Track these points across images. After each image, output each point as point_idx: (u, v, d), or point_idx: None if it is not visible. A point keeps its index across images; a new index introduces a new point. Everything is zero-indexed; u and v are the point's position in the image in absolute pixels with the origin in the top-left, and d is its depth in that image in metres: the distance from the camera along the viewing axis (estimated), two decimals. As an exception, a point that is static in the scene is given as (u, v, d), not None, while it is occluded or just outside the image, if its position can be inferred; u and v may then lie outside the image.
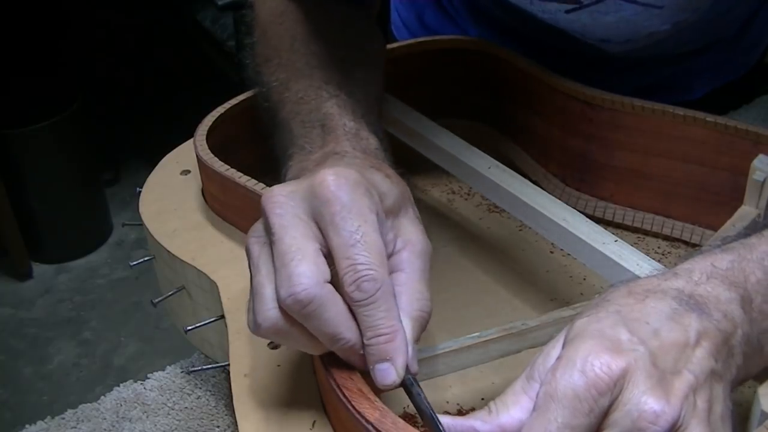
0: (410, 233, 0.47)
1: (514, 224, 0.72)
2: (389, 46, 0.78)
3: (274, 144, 0.60)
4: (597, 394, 0.38)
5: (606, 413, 0.39)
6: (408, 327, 0.45)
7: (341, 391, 0.45)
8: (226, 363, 0.56)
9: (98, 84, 2.31)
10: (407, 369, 0.45)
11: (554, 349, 0.43)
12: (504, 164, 0.65)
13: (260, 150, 0.73)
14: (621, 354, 0.39)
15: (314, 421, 0.50)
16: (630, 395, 0.39)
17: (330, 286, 0.43)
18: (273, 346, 0.55)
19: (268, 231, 0.45)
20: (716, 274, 0.44)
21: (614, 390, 0.39)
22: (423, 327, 0.46)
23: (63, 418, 0.70)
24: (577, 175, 0.72)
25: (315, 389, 0.52)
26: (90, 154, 2.13)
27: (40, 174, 2.03)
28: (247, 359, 0.54)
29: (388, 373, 0.44)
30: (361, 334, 0.44)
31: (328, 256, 0.44)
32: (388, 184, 0.48)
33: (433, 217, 0.75)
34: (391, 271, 0.46)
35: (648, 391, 0.38)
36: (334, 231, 0.44)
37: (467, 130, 0.82)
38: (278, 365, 0.54)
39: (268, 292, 0.44)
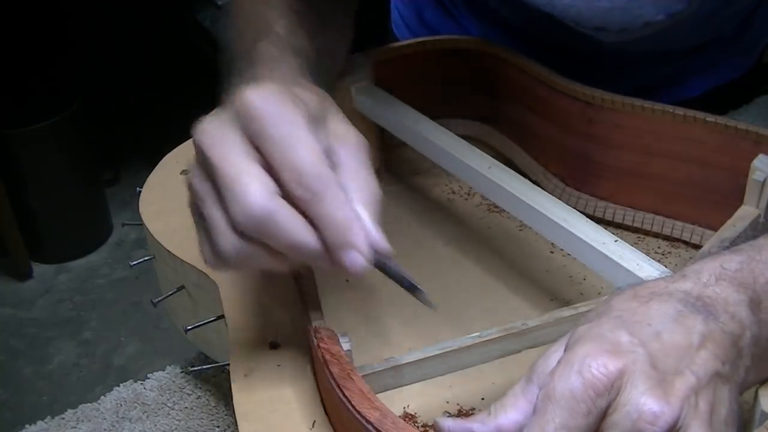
0: (341, 131, 0.48)
1: (514, 224, 0.72)
2: (388, 46, 0.78)
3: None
4: (594, 395, 0.38)
5: (604, 415, 0.39)
6: (363, 213, 0.45)
7: (341, 391, 0.45)
8: (226, 363, 0.56)
9: (98, 84, 2.31)
10: (377, 250, 0.45)
11: (555, 353, 0.43)
12: (504, 164, 0.65)
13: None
14: (619, 355, 0.39)
15: (314, 421, 0.50)
16: (629, 396, 0.38)
17: (281, 198, 0.44)
18: (273, 345, 0.55)
19: (207, 164, 0.45)
20: (725, 275, 0.44)
21: (612, 391, 0.39)
22: (378, 211, 0.47)
23: (63, 418, 0.70)
24: (577, 175, 0.72)
25: (315, 389, 0.52)
26: (90, 154, 2.13)
27: (40, 174, 2.03)
28: (247, 359, 0.54)
29: (356, 259, 0.44)
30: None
31: (271, 170, 0.44)
32: (307, 93, 0.48)
33: (433, 217, 0.75)
34: (333, 168, 0.46)
35: (647, 392, 0.38)
36: (268, 142, 0.44)
37: (467, 130, 0.82)
38: (278, 365, 0.54)
39: (220, 221, 0.45)
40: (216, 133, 0.45)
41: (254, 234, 0.44)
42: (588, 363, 0.39)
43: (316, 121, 0.47)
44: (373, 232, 0.45)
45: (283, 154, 0.44)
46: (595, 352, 0.39)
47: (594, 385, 0.38)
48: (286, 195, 0.44)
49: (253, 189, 0.43)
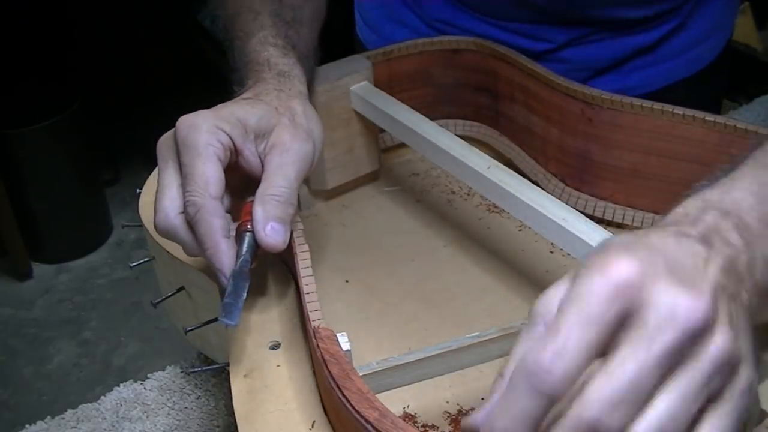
0: (277, 139, 0.57)
1: (514, 224, 0.72)
2: (388, 47, 0.78)
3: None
4: (616, 294, 0.35)
5: (623, 325, 0.35)
6: (259, 209, 0.54)
7: (341, 391, 0.45)
8: (226, 363, 0.56)
9: (98, 84, 2.31)
10: (264, 244, 0.54)
11: (557, 290, 0.41)
12: (504, 164, 0.65)
13: (260, 150, 0.73)
14: (635, 257, 0.36)
15: (314, 421, 0.50)
16: (653, 292, 0.35)
17: (180, 216, 0.54)
18: (273, 346, 0.56)
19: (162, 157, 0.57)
20: (709, 206, 0.43)
21: (634, 293, 0.35)
22: (280, 207, 0.55)
23: (63, 418, 0.70)
24: (576, 174, 0.72)
25: (315, 389, 0.52)
26: (90, 154, 2.13)
27: (40, 174, 2.03)
28: (246, 359, 0.54)
29: (221, 280, 0.54)
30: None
31: None
32: (247, 110, 0.57)
33: (433, 217, 0.75)
34: (262, 173, 0.56)
35: (675, 285, 0.35)
36: (181, 166, 0.55)
37: (467, 130, 0.82)
38: (278, 365, 0.54)
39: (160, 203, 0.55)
40: (160, 148, 0.57)
41: (162, 236, 0.56)
42: (606, 264, 0.36)
43: (256, 132, 0.57)
44: (259, 225, 0.54)
45: (185, 181, 0.54)
46: (611, 256, 0.36)
47: (617, 283, 0.35)
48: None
49: (163, 205, 0.54)
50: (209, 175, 0.54)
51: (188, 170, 0.54)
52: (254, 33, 0.66)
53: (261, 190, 0.55)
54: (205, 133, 0.55)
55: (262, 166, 0.57)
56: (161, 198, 0.55)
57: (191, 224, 0.54)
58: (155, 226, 0.55)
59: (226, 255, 0.53)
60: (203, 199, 0.53)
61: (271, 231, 0.54)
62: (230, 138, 0.56)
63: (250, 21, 0.67)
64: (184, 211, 0.54)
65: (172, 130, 0.57)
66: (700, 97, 0.86)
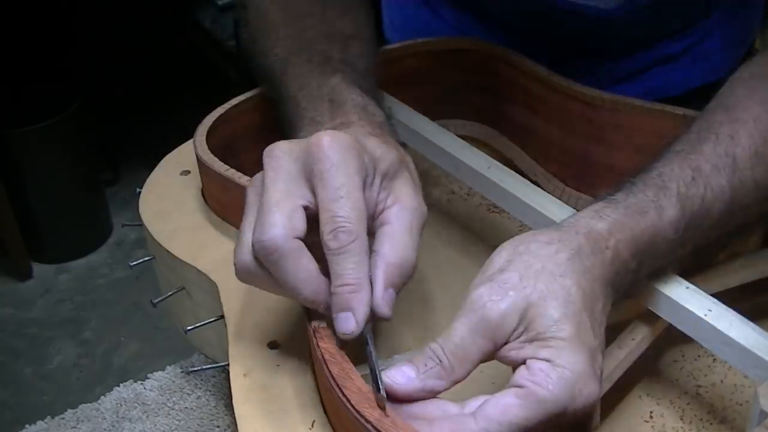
0: (401, 192, 0.51)
1: (514, 224, 0.72)
2: (388, 47, 0.78)
3: (278, 118, 0.62)
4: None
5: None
6: (382, 272, 0.48)
7: (341, 391, 0.45)
8: (226, 363, 0.56)
9: (98, 84, 2.31)
10: (376, 313, 0.48)
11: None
12: (504, 164, 0.65)
13: (260, 150, 0.73)
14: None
15: (314, 421, 0.50)
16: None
17: (298, 242, 0.47)
18: (273, 345, 0.56)
19: (262, 182, 0.49)
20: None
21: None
22: (403, 275, 0.49)
23: (63, 418, 0.70)
24: (577, 175, 0.72)
25: (315, 389, 0.52)
26: (90, 154, 2.13)
27: (40, 174, 2.03)
28: (246, 359, 0.54)
29: (348, 323, 0.47)
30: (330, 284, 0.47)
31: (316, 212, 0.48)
32: (384, 149, 0.51)
33: (433, 217, 0.75)
34: (380, 225, 0.49)
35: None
36: (321, 186, 0.47)
37: (467, 130, 0.82)
38: (278, 365, 0.54)
39: (247, 237, 0.48)
40: (280, 159, 0.49)
41: (263, 261, 0.47)
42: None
43: (383, 176, 0.50)
44: (379, 295, 0.48)
45: (329, 202, 0.47)
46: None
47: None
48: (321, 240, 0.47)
49: (276, 220, 0.46)
50: (363, 206, 0.48)
51: (339, 196, 0.47)
52: (330, 75, 0.60)
53: (386, 251, 0.48)
54: (356, 159, 0.48)
55: (374, 214, 0.50)
56: (272, 211, 0.47)
57: (329, 255, 0.47)
58: (256, 245, 0.47)
59: (366, 301, 0.47)
60: (359, 231, 0.47)
61: (388, 299, 0.48)
62: (367, 172, 0.50)
63: (319, 62, 0.62)
64: (326, 238, 0.47)
65: (293, 141, 0.50)
66: None
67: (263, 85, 0.68)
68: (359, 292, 0.46)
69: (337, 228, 0.46)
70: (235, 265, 0.49)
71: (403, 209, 0.50)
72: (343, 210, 0.46)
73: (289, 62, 0.63)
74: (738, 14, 0.87)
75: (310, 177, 0.48)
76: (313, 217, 0.48)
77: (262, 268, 0.48)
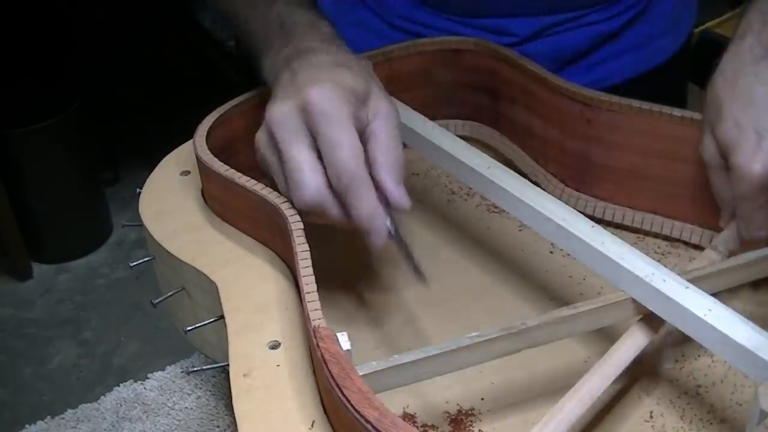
0: (377, 105, 0.58)
1: (513, 224, 0.72)
2: (388, 47, 0.78)
3: (241, 47, 0.68)
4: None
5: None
6: (388, 177, 0.56)
7: (340, 390, 0.45)
8: (226, 363, 0.56)
9: (98, 84, 2.31)
10: (395, 205, 0.57)
11: None
12: (504, 164, 0.65)
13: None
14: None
15: (313, 421, 0.50)
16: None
17: (327, 189, 0.56)
18: (273, 345, 0.55)
19: (275, 142, 0.57)
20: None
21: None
22: (400, 172, 0.57)
23: (63, 418, 0.70)
24: (576, 175, 0.72)
25: (315, 389, 0.52)
26: (90, 154, 2.13)
27: (40, 174, 2.03)
28: (246, 359, 0.54)
29: (376, 239, 0.56)
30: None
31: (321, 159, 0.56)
32: (353, 77, 0.58)
33: (433, 217, 0.75)
34: (369, 137, 0.57)
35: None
36: (320, 138, 0.55)
37: (467, 130, 0.82)
38: (278, 365, 0.54)
39: (306, 174, 0.56)
40: (285, 120, 0.56)
41: (305, 212, 0.57)
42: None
43: (361, 100, 0.58)
44: (394, 193, 0.56)
45: (331, 152, 0.55)
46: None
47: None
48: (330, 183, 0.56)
49: (309, 181, 0.55)
50: (357, 144, 0.55)
51: (335, 139, 0.55)
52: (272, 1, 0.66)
53: (381, 158, 0.56)
54: (344, 106, 0.56)
55: (363, 131, 0.58)
56: (301, 173, 0.55)
57: (343, 193, 0.55)
58: (299, 203, 0.56)
59: (382, 220, 0.56)
60: (358, 169, 0.54)
61: (402, 193, 0.56)
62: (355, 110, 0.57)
63: None
64: (334, 183, 0.55)
65: (287, 104, 0.57)
66: (665, 88, 0.89)
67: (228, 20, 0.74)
68: (374, 217, 0.55)
69: (339, 171, 0.54)
70: (302, 200, 0.56)
71: (382, 119, 0.58)
72: (342, 156, 0.54)
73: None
74: None
75: (310, 130, 0.56)
76: None
77: (332, 196, 0.56)
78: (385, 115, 0.58)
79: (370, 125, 0.58)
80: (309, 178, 0.55)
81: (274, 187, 0.59)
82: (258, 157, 0.60)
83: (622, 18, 0.86)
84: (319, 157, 0.56)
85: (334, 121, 0.55)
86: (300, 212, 0.57)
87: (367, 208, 0.55)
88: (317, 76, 0.57)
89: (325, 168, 0.56)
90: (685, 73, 0.98)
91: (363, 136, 0.57)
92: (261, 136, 0.59)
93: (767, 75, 0.59)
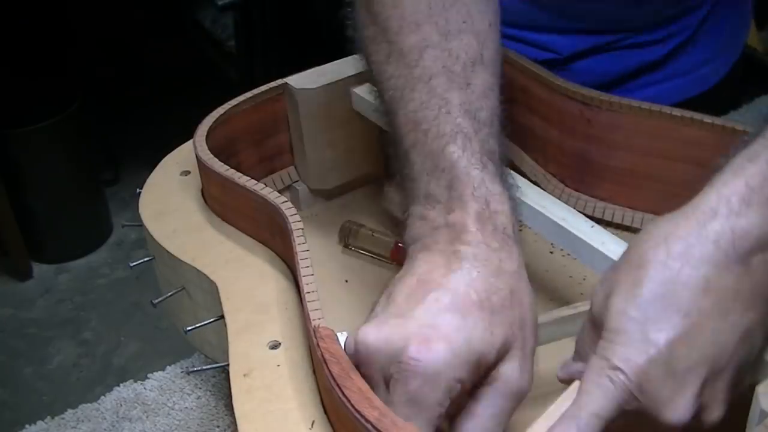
0: (507, 375, 0.46)
1: (513, 224, 0.72)
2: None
3: (389, 154, 0.57)
4: None
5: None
6: None
7: (341, 390, 0.45)
8: (226, 363, 0.56)
9: (98, 84, 2.31)
10: None
11: None
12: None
13: (260, 150, 0.73)
14: None
15: (313, 421, 0.50)
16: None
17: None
18: (273, 345, 0.56)
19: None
20: (753, 197, 0.43)
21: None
22: None
23: (63, 418, 0.70)
24: (576, 175, 0.72)
25: (315, 389, 0.52)
26: (90, 154, 2.13)
27: (40, 174, 2.03)
28: (246, 359, 0.54)
29: None
30: None
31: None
32: (490, 341, 0.45)
33: (433, 218, 0.75)
34: (471, 401, 0.46)
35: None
36: (394, 398, 0.45)
37: (467, 130, 0.82)
38: (278, 365, 0.54)
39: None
40: (371, 353, 0.46)
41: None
42: None
43: (480, 368, 0.45)
44: None
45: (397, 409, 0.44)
46: None
47: None
48: None
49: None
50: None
51: (403, 414, 0.43)
52: (446, 133, 0.51)
53: (471, 427, 0.45)
54: (443, 389, 0.44)
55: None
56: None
57: None
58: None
59: None
60: None
61: None
62: (462, 385, 0.45)
63: (433, 108, 0.52)
64: None
65: (383, 332, 0.45)
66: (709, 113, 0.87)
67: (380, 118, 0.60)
68: None
69: None
70: None
71: (497, 390, 0.46)
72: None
73: (401, 97, 0.54)
74: (724, 17, 0.87)
75: (390, 374, 0.45)
76: None
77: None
78: (505, 387, 0.45)
79: (482, 387, 0.46)
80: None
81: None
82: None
83: (668, 45, 0.84)
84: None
85: (419, 404, 0.43)
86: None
87: None
88: (438, 321, 0.44)
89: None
90: (730, 99, 0.95)
91: (466, 394, 0.45)
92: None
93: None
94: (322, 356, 0.48)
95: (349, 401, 0.44)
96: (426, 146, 0.52)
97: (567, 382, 0.45)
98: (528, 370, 0.47)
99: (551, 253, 0.70)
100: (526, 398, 0.56)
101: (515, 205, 0.52)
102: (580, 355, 0.46)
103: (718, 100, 0.91)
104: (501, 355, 0.46)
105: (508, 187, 0.52)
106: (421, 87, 0.53)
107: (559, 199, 0.63)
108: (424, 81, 0.53)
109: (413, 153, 0.52)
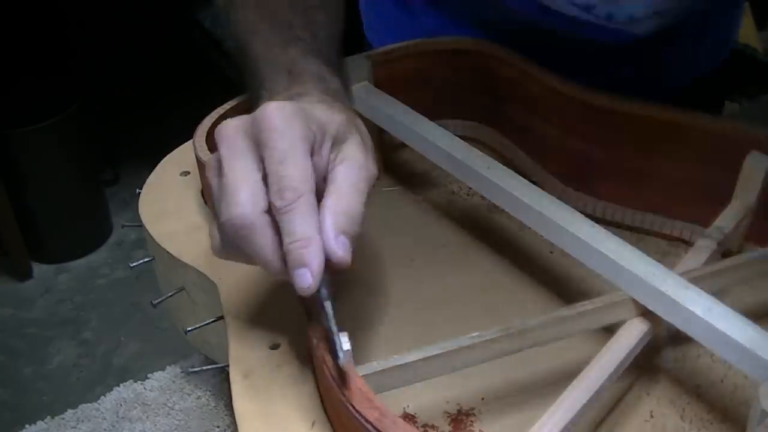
0: (348, 152, 0.52)
1: (513, 224, 0.72)
2: (388, 47, 0.78)
3: (244, 82, 0.64)
4: None
5: None
6: (329, 219, 0.48)
7: (341, 390, 0.45)
8: (226, 364, 0.56)
9: (98, 84, 2.31)
10: (333, 259, 0.48)
11: None
12: (504, 164, 0.65)
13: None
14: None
15: (313, 421, 0.50)
16: None
17: (265, 216, 0.48)
18: (273, 346, 0.56)
19: (220, 162, 0.50)
20: None
21: None
22: (351, 223, 0.49)
23: (63, 418, 0.70)
24: (576, 175, 0.72)
25: (315, 389, 0.52)
26: (90, 154, 2.13)
27: (40, 174, 2.03)
28: (246, 360, 0.54)
29: (304, 278, 0.47)
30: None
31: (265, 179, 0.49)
32: (330, 114, 0.52)
33: (433, 217, 0.75)
34: (327, 184, 0.50)
35: None
36: (268, 152, 0.48)
37: (467, 130, 0.82)
38: (278, 366, 0.54)
39: (216, 217, 0.49)
40: (232, 136, 0.50)
41: (233, 238, 0.48)
42: None
43: (332, 140, 0.51)
44: (330, 241, 0.48)
45: (275, 165, 0.48)
46: None
47: None
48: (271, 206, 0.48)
49: (241, 197, 0.47)
50: (308, 166, 0.48)
51: (283, 152, 0.48)
52: (290, 43, 0.61)
53: (331, 202, 0.49)
54: (300, 125, 0.49)
55: (325, 177, 0.51)
56: (236, 190, 0.48)
57: (282, 215, 0.47)
58: (226, 222, 0.48)
59: (318, 254, 0.47)
60: (304, 186, 0.47)
61: (342, 244, 0.48)
62: (314, 137, 0.51)
63: (281, 30, 0.62)
64: (274, 201, 0.47)
65: (241, 117, 0.51)
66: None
67: (236, 54, 0.72)
68: (310, 246, 0.47)
69: (282, 187, 0.47)
70: (211, 245, 0.51)
71: (347, 167, 0.51)
72: (287, 170, 0.47)
73: (253, 31, 0.64)
74: (715, 16, 0.87)
75: (259, 146, 0.49)
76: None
77: (234, 245, 0.49)
78: (354, 164, 0.51)
79: (333, 169, 0.51)
80: (244, 194, 0.47)
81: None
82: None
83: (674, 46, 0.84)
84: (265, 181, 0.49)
85: (286, 138, 0.48)
86: (220, 244, 0.50)
87: (304, 231, 0.47)
88: (284, 101, 0.52)
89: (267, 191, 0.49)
90: (730, 81, 0.96)
91: (321, 178, 0.51)
92: (211, 158, 0.52)
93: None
94: (322, 356, 0.48)
95: (349, 401, 0.44)
96: (271, 56, 0.60)
97: None
98: (371, 157, 0.53)
99: (551, 253, 0.70)
100: (526, 398, 0.56)
101: (348, 88, 0.61)
102: None
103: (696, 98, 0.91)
104: (342, 135, 0.52)
105: (343, 75, 0.61)
106: (268, 17, 0.64)
107: (559, 198, 0.63)
108: (271, 14, 0.64)
109: (260, 65, 0.60)
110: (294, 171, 0.47)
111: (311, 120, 0.51)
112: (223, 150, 0.49)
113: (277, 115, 0.49)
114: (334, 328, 0.46)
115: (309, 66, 0.59)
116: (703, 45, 0.87)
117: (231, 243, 0.49)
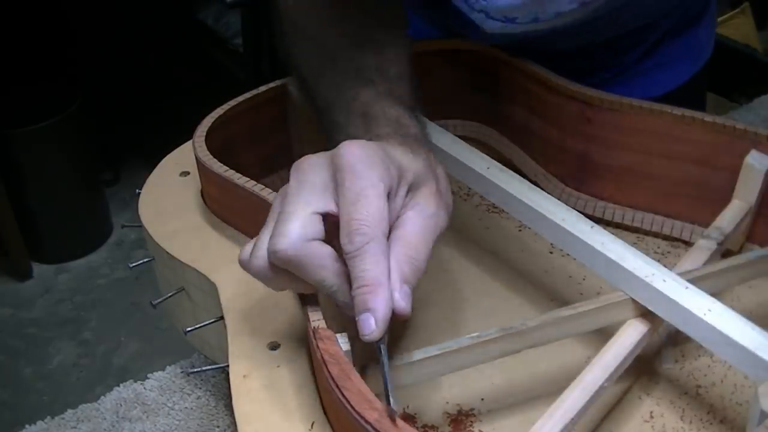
0: (422, 199, 0.51)
1: (513, 224, 0.72)
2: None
3: (319, 127, 0.63)
4: None
5: None
6: (394, 269, 0.47)
7: (340, 391, 0.45)
8: (226, 364, 0.56)
9: (98, 84, 2.31)
10: (394, 310, 0.47)
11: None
12: (504, 164, 0.65)
13: (260, 151, 0.73)
14: None
15: (313, 422, 0.50)
16: None
17: (315, 243, 0.47)
18: (273, 346, 0.56)
19: (286, 193, 0.49)
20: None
21: None
22: (414, 272, 0.48)
23: (63, 418, 0.70)
24: (576, 175, 0.72)
25: (315, 389, 0.52)
26: (90, 154, 2.13)
27: (40, 174, 2.03)
28: (246, 360, 0.54)
29: (368, 323, 0.46)
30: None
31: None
32: (410, 159, 0.51)
33: (433, 218, 0.75)
34: (395, 229, 0.49)
35: None
36: (341, 192, 0.47)
37: (467, 130, 0.82)
38: (278, 365, 0.54)
39: (263, 241, 0.49)
40: (305, 171, 0.49)
41: (279, 265, 0.48)
42: None
43: (409, 186, 0.51)
44: (396, 291, 0.47)
45: (348, 206, 0.47)
46: None
47: None
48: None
49: (289, 229, 0.47)
50: (383, 209, 0.47)
51: (357, 199, 0.47)
52: (361, 87, 0.60)
53: (397, 250, 0.48)
54: (380, 165, 0.48)
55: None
56: (287, 221, 0.47)
57: (347, 258, 0.46)
58: (271, 256, 0.47)
59: (386, 301, 0.46)
60: (375, 233, 0.46)
61: (404, 294, 0.47)
62: (392, 180, 0.49)
63: (347, 73, 0.61)
64: (343, 244, 0.46)
65: (322, 154, 0.50)
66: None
67: (301, 95, 0.69)
68: (377, 292, 0.46)
69: (353, 230, 0.46)
70: (250, 264, 0.50)
71: (417, 213, 0.50)
72: (360, 213, 0.46)
73: (320, 74, 0.63)
74: (690, 23, 0.86)
75: (334, 185, 0.48)
76: (337, 226, 0.48)
77: (277, 272, 0.49)
78: (425, 212, 0.50)
79: (404, 214, 0.50)
80: (294, 227, 0.47)
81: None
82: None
83: (637, 51, 0.83)
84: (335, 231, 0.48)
85: (363, 178, 0.47)
86: (269, 270, 0.49)
87: (372, 277, 0.46)
88: (365, 141, 0.50)
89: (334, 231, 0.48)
90: (703, 95, 0.95)
91: (394, 221, 0.49)
92: (284, 187, 0.51)
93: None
94: (322, 357, 0.48)
95: (348, 402, 0.44)
96: (343, 101, 0.59)
97: None
98: (443, 204, 0.52)
99: (551, 253, 0.70)
100: (526, 398, 0.56)
101: (425, 130, 0.59)
102: None
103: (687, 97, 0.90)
104: (419, 181, 0.51)
105: (419, 118, 0.59)
106: (337, 57, 0.63)
107: (559, 198, 0.63)
108: (340, 54, 0.63)
109: (334, 110, 0.60)
110: (366, 214, 0.46)
111: (392, 161, 0.50)
112: (292, 182, 0.49)
113: (356, 153, 0.48)
114: (389, 376, 0.45)
115: (385, 110, 0.57)
116: (681, 48, 0.87)
117: (275, 272, 0.49)
